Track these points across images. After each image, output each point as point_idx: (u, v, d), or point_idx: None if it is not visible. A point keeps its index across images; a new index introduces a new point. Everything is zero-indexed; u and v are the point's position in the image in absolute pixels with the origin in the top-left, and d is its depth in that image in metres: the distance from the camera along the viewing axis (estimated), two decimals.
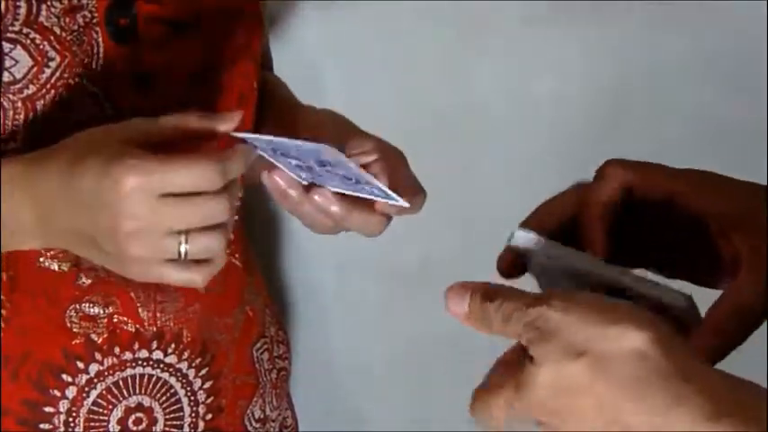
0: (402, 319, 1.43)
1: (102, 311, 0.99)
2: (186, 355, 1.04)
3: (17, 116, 0.92)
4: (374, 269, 1.43)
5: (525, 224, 0.73)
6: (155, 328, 1.01)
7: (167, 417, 1.05)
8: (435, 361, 1.38)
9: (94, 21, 0.93)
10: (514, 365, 0.64)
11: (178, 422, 1.05)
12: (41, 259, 0.97)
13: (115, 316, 0.99)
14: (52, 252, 0.97)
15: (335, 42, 1.37)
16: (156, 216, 0.82)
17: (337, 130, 1.00)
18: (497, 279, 1.31)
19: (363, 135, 0.99)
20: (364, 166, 0.90)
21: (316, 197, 0.91)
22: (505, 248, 0.73)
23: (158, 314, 1.01)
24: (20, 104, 0.92)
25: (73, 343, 0.99)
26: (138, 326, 1.00)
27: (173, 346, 1.03)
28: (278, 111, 1.11)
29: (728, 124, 1.43)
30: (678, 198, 0.69)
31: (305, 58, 1.35)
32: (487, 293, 0.68)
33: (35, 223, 0.88)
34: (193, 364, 1.05)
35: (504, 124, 1.39)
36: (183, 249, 0.84)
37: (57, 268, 0.97)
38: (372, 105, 1.39)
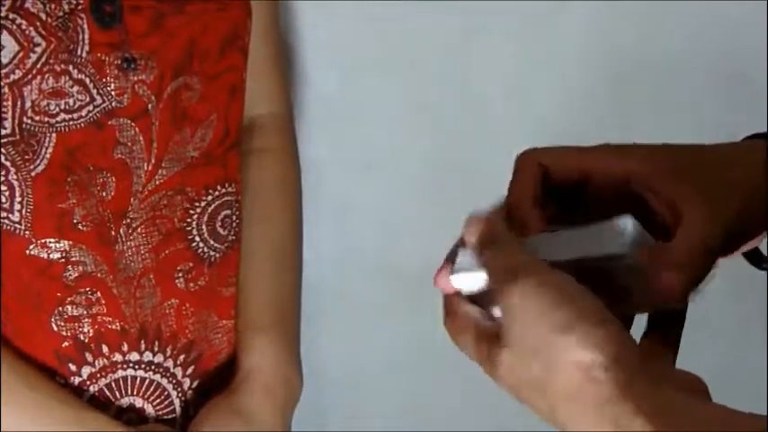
0: (402, 319, 1.43)
1: (85, 312, 0.98)
2: (169, 351, 1.03)
3: (5, 102, 0.92)
4: (374, 269, 1.43)
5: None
6: (138, 325, 1.01)
7: (159, 417, 1.04)
8: (435, 362, 1.38)
9: (80, 7, 0.94)
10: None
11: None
12: (31, 247, 0.96)
13: (99, 316, 0.99)
14: (42, 240, 0.96)
15: (335, 42, 1.36)
16: None
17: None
18: None
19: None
20: None
21: None
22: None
23: (138, 310, 1.00)
24: (6, 90, 0.92)
25: (63, 345, 0.99)
26: (122, 323, 1.00)
27: (156, 343, 1.02)
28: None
29: (728, 124, 1.43)
30: (595, 173, 0.69)
31: (305, 58, 1.35)
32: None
33: None
34: (178, 362, 1.04)
35: (504, 123, 1.39)
36: None
37: (46, 257, 0.97)
38: (372, 105, 1.38)
